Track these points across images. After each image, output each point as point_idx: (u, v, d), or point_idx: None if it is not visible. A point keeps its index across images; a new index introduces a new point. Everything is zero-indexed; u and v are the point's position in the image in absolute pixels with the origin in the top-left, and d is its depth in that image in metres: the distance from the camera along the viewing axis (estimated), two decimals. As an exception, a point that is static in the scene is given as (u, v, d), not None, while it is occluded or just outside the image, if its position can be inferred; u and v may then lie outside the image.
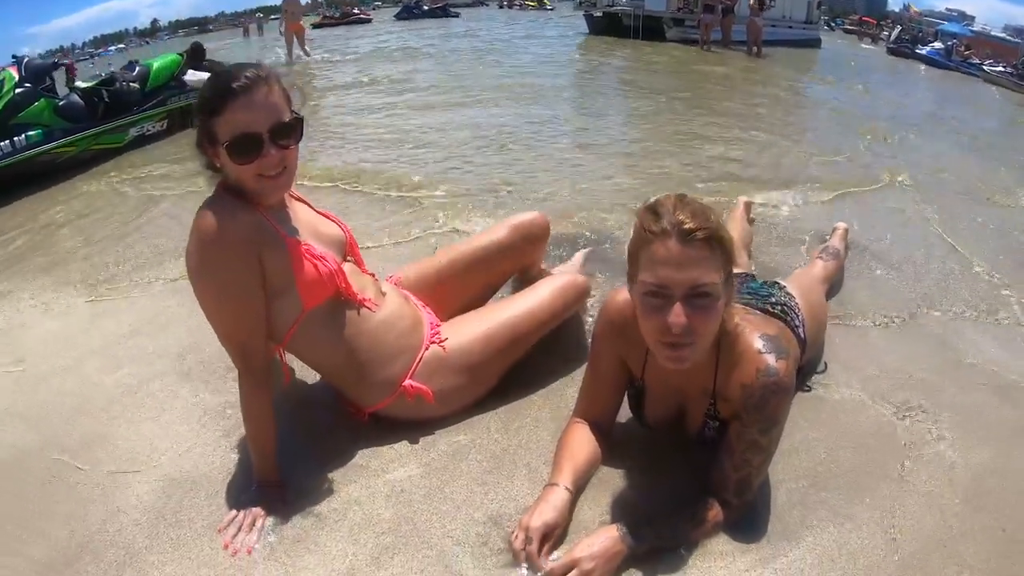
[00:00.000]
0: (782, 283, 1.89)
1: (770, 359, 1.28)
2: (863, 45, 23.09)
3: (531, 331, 1.80)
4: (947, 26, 24.47)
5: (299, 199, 1.65)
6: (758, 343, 1.30)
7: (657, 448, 1.58)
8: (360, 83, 8.86)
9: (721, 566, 1.29)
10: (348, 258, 1.65)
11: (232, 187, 1.43)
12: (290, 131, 1.41)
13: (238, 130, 1.34)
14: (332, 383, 1.69)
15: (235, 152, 1.35)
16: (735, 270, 1.77)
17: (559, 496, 1.36)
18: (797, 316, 1.74)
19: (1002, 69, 16.55)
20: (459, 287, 1.92)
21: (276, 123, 1.37)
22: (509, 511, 1.43)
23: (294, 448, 1.59)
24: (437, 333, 1.73)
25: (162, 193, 4.25)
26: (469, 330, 1.75)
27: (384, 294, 1.70)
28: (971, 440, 1.70)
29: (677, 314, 1.17)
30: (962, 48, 18.90)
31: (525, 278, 2.13)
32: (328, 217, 1.68)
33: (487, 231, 2.01)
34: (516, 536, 1.30)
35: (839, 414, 1.79)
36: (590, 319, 2.04)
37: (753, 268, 2.51)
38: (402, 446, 1.63)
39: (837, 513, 1.44)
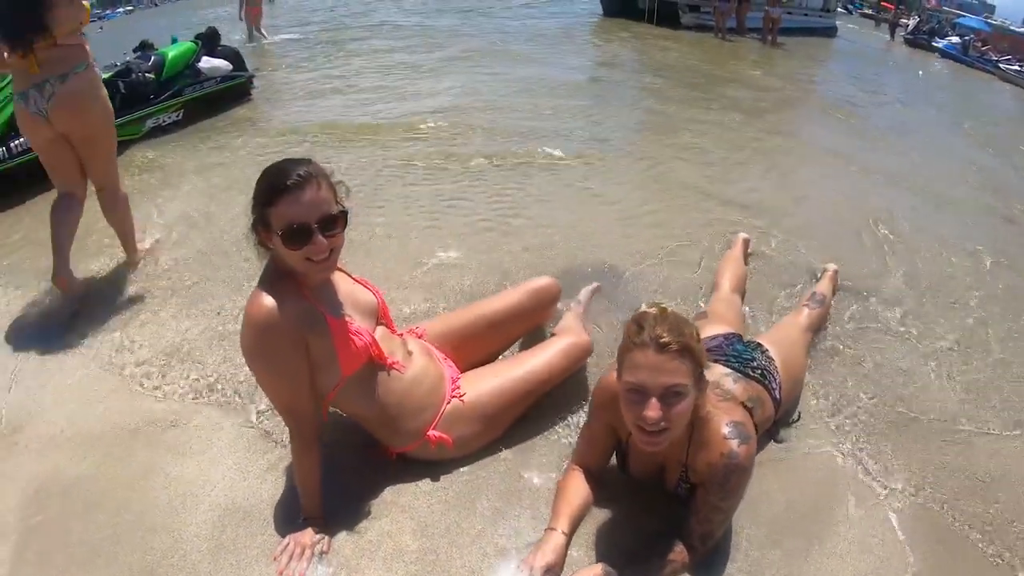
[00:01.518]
0: (764, 345, 2.10)
1: (734, 444, 1.52)
2: (875, 33, 22.67)
3: (538, 387, 2.07)
4: (965, 20, 24.08)
5: (339, 269, 1.85)
6: (725, 429, 1.55)
7: (639, 495, 1.83)
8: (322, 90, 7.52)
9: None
10: (381, 322, 1.88)
11: (281, 264, 1.64)
12: (336, 222, 1.59)
13: (291, 221, 1.53)
14: (366, 429, 1.93)
15: (287, 240, 1.54)
16: (723, 330, 2.03)
17: (557, 540, 1.62)
18: (775, 379, 1.98)
19: (1018, 68, 16.35)
20: (479, 345, 2.19)
21: (324, 215, 1.56)
22: (516, 545, 1.70)
23: (331, 484, 1.82)
24: (457, 387, 1.98)
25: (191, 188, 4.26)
26: (485, 385, 2.00)
27: (411, 353, 1.93)
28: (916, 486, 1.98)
29: (652, 408, 1.42)
30: (979, 43, 18.69)
31: (537, 330, 2.40)
32: (363, 284, 1.90)
33: (506, 293, 2.29)
34: (522, 572, 1.56)
35: (801, 463, 2.05)
36: (594, 372, 2.31)
37: (747, 314, 2.73)
38: (425, 483, 1.88)
39: (792, 556, 1.72)
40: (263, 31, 11.86)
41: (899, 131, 7.24)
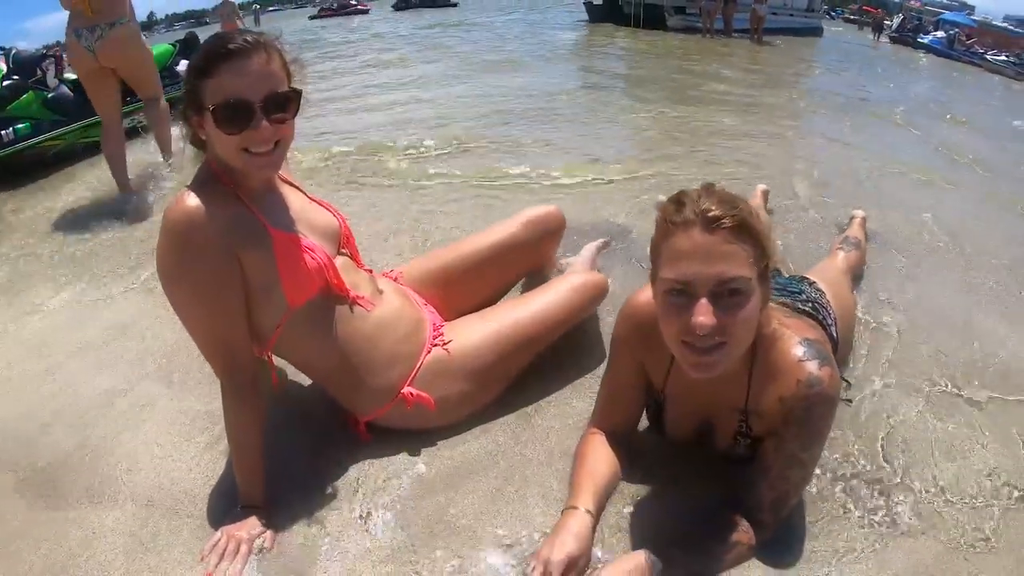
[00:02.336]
0: (810, 278, 1.75)
1: (812, 367, 1.14)
2: (860, 34, 22.93)
3: (543, 333, 1.66)
4: (949, 15, 24.23)
5: (291, 184, 1.51)
6: (798, 350, 1.16)
7: (682, 460, 1.44)
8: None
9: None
10: (343, 251, 1.51)
11: (216, 164, 1.30)
12: (286, 103, 1.26)
13: (228, 96, 1.20)
14: (325, 389, 1.55)
15: (222, 119, 1.21)
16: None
17: (580, 522, 1.22)
18: (829, 314, 1.61)
19: (1005, 59, 16.49)
20: (468, 286, 1.78)
21: (271, 92, 1.23)
22: (522, 537, 1.29)
23: (283, 462, 1.46)
24: (440, 335, 1.59)
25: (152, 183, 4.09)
26: (475, 331, 1.61)
27: (381, 292, 1.56)
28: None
29: (702, 312, 1.03)
30: (964, 37, 18.77)
31: (538, 276, 1.99)
32: (323, 205, 1.53)
33: (498, 225, 1.87)
34: (534, 569, 1.15)
35: (876, 413, 1.68)
36: (610, 320, 1.90)
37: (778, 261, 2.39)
38: (401, 459, 1.49)
39: (881, 526, 1.32)
40: None
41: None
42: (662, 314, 1.12)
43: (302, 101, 1.31)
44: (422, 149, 4.31)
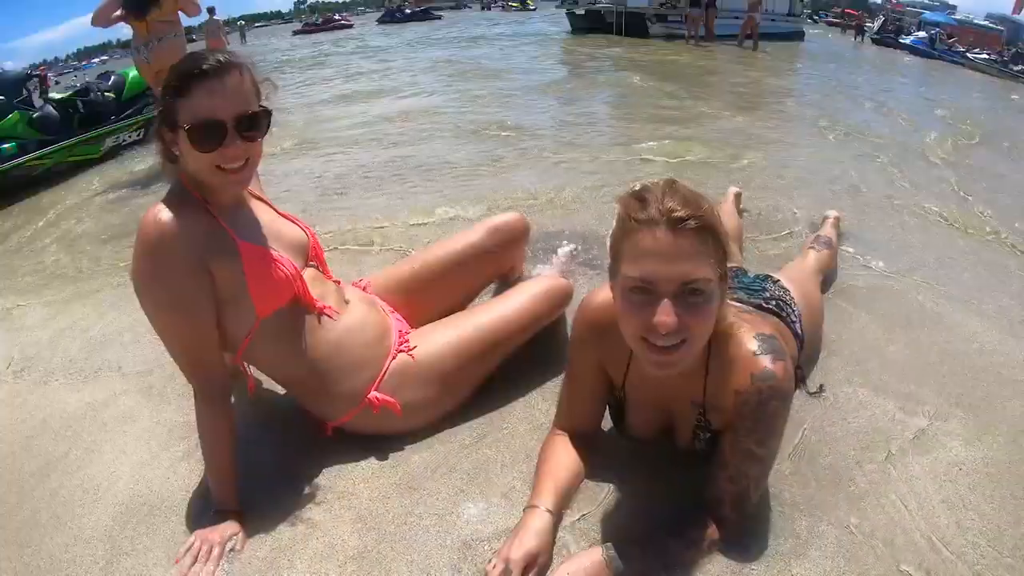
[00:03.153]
0: (775, 276, 1.79)
1: (766, 361, 1.15)
2: (843, 37, 23.06)
3: (508, 338, 1.71)
4: (930, 15, 24.49)
5: (260, 199, 1.56)
6: (752, 344, 1.17)
7: (644, 458, 1.47)
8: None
9: (718, 590, 1.19)
10: (311, 263, 1.56)
11: (188, 180, 1.35)
12: (257, 123, 1.32)
13: (201, 115, 1.25)
14: (294, 395, 1.60)
15: (196, 138, 1.26)
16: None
17: (540, 520, 1.25)
18: (793, 311, 1.64)
19: (986, 57, 16.64)
20: (433, 293, 1.83)
21: (242, 112, 1.28)
22: (485, 535, 1.33)
23: (254, 467, 1.51)
24: (405, 341, 1.64)
25: (135, 201, 4.15)
26: (440, 337, 1.66)
27: (348, 301, 1.61)
28: (979, 435, 1.63)
29: (665, 312, 1.03)
30: (945, 36, 18.95)
31: (507, 283, 2.03)
32: (291, 220, 1.59)
33: (462, 233, 1.92)
34: (495, 567, 1.18)
35: (842, 413, 1.70)
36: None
37: (743, 262, 2.44)
38: (369, 464, 1.54)
39: (843, 524, 1.33)
40: None
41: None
42: (622, 311, 1.11)
43: (271, 120, 1.37)
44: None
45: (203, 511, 1.43)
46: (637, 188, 1.10)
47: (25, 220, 4.28)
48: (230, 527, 1.35)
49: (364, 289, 1.77)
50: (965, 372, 1.91)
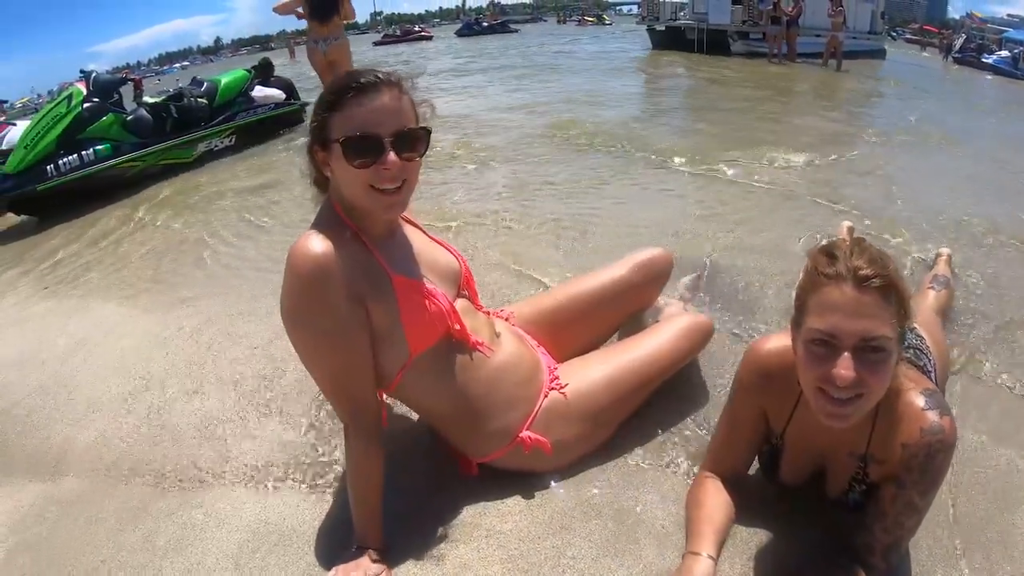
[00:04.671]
0: (911, 322, 1.65)
1: (934, 416, 1.16)
2: (924, 55, 22.21)
3: (655, 375, 1.62)
4: (1012, 33, 23.27)
5: (411, 222, 1.48)
6: (920, 400, 1.18)
7: (790, 502, 1.40)
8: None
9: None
10: (463, 293, 1.47)
11: (340, 205, 1.27)
12: (415, 141, 1.24)
13: (357, 128, 1.18)
14: (439, 431, 1.51)
15: (350, 153, 1.18)
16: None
17: (704, 568, 1.20)
18: (929, 360, 1.57)
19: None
20: (577, 327, 1.75)
21: (401, 129, 1.21)
22: (638, 577, 1.22)
23: (393, 503, 1.40)
24: (556, 378, 1.54)
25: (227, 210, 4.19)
26: (591, 374, 1.56)
27: (499, 335, 1.51)
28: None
29: (845, 366, 1.06)
30: (1029, 55, 17.99)
31: (635, 316, 1.92)
32: (443, 245, 1.50)
33: (607, 268, 1.83)
34: None
35: (967, 458, 1.59)
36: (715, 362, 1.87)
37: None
38: (515, 501, 1.43)
39: (978, 573, 1.29)
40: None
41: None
42: (804, 362, 1.13)
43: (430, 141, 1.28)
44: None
45: (339, 545, 1.33)
46: (825, 243, 1.16)
47: (116, 218, 4.36)
48: (374, 566, 1.24)
49: (507, 320, 1.68)
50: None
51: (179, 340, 2.37)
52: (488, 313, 1.57)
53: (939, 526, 1.39)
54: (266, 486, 1.58)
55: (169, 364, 2.20)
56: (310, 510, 1.48)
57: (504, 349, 1.49)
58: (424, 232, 1.50)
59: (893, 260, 1.12)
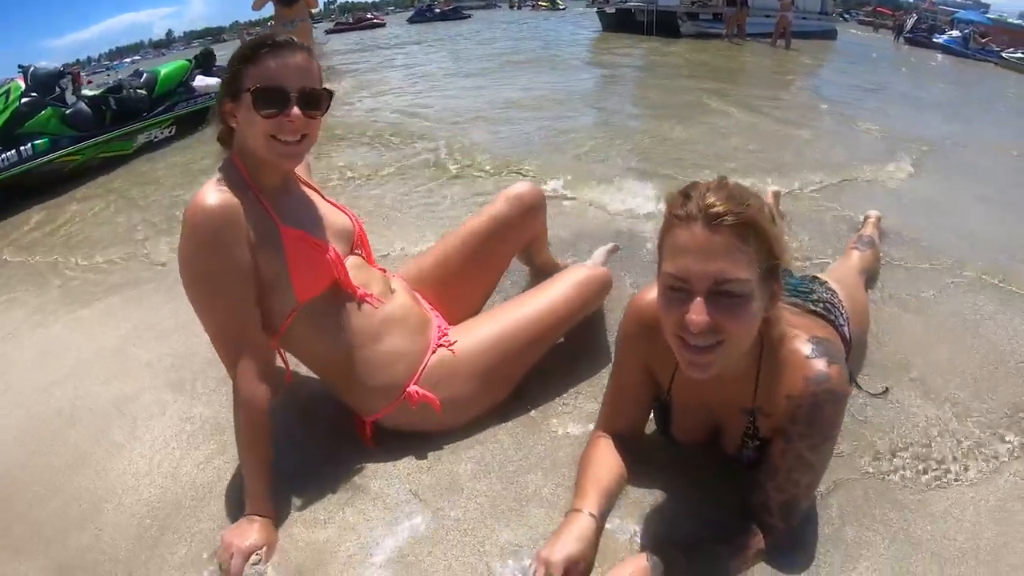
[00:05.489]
0: (822, 277, 1.71)
1: (820, 364, 1.11)
2: (877, 36, 22.65)
3: (549, 331, 1.65)
4: (963, 14, 23.92)
5: (309, 185, 1.55)
6: (806, 348, 1.13)
7: (689, 462, 1.41)
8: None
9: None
10: (356, 252, 1.54)
11: (240, 159, 1.35)
12: (319, 100, 1.34)
13: (268, 80, 1.27)
14: (330, 386, 1.56)
15: (259, 101, 1.27)
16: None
17: (583, 524, 1.20)
18: (841, 313, 1.57)
19: (1021, 55, 16.24)
20: (469, 271, 1.78)
21: (307, 87, 1.31)
22: (526, 541, 1.27)
23: (289, 463, 1.45)
24: (445, 335, 1.59)
25: (164, 198, 4.15)
26: (480, 332, 1.60)
27: (394, 291, 1.57)
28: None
29: (696, 311, 1.00)
30: (979, 36, 18.51)
31: (537, 271, 2.00)
32: (338, 207, 1.57)
33: (480, 210, 1.87)
34: (536, 571, 1.13)
35: (888, 416, 1.62)
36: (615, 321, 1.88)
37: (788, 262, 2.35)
38: (407, 463, 1.48)
39: (895, 532, 1.28)
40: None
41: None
42: (661, 308, 1.09)
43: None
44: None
45: (234, 514, 1.37)
46: (686, 185, 1.08)
47: (54, 215, 4.30)
48: (258, 536, 1.27)
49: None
50: (1015, 376, 1.82)
51: (105, 328, 2.38)
52: (384, 271, 1.62)
53: (854, 485, 1.40)
54: (173, 461, 1.60)
55: (94, 350, 2.21)
56: (209, 479, 1.51)
57: (395, 303, 1.54)
58: (321, 195, 1.56)
59: (759, 197, 1.06)
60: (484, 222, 1.79)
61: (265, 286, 1.35)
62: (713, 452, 1.35)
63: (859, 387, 1.59)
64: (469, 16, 29.59)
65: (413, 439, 1.52)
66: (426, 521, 1.33)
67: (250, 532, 1.27)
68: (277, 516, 1.34)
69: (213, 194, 1.27)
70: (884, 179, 3.79)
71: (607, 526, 1.27)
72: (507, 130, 5.00)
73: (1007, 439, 1.56)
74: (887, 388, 1.60)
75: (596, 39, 14.79)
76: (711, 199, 1.00)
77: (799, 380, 1.11)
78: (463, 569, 1.22)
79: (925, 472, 1.46)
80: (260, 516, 1.31)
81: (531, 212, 1.85)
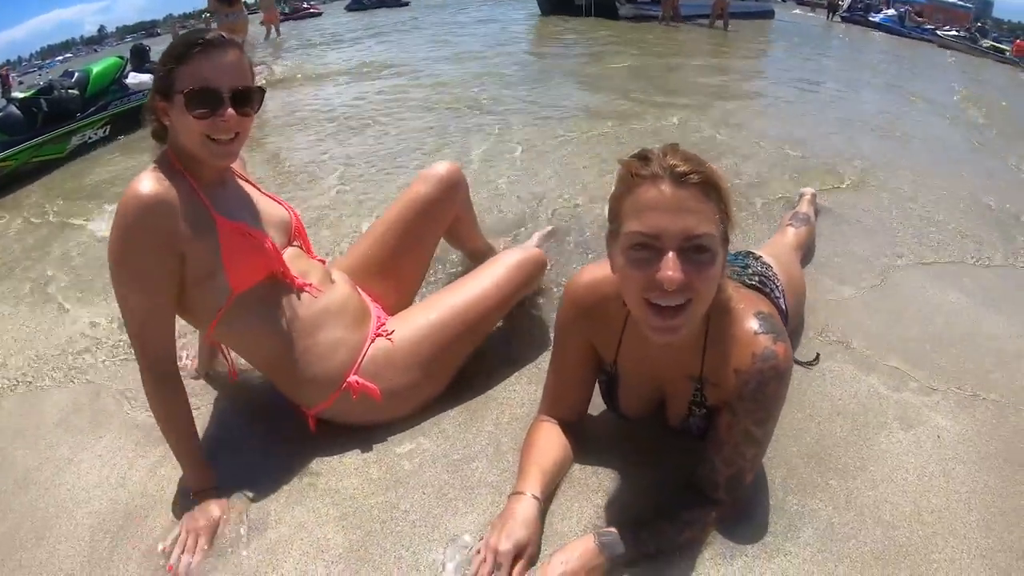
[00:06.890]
0: (756, 252, 1.77)
1: (767, 341, 1.13)
2: (812, 15, 23.06)
3: (486, 314, 1.69)
4: (898, -9, 24.64)
5: (245, 179, 1.56)
6: (753, 323, 1.16)
7: (635, 441, 1.46)
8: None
9: (714, 571, 1.18)
10: (294, 243, 1.56)
11: (174, 154, 1.35)
12: (251, 98, 1.36)
13: (200, 82, 1.28)
14: (272, 380, 1.57)
15: (192, 103, 1.27)
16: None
17: (527, 507, 1.23)
18: (776, 287, 1.62)
19: (955, 34, 16.80)
20: (399, 254, 1.81)
21: (240, 86, 1.32)
22: (472, 528, 1.31)
23: (236, 463, 1.49)
24: (383, 325, 1.62)
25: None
26: (418, 320, 1.63)
27: (333, 282, 1.60)
28: (963, 408, 1.65)
29: (671, 267, 0.99)
30: (915, 14, 19.08)
31: (472, 256, 2.05)
32: (274, 199, 1.58)
33: (400, 194, 1.89)
34: (484, 560, 1.17)
35: (827, 388, 1.71)
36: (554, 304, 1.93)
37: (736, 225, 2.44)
38: (352, 456, 1.51)
39: (833, 500, 1.34)
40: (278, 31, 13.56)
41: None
42: (625, 272, 1.07)
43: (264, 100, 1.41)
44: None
45: (185, 509, 1.39)
46: (639, 151, 1.09)
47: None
48: (214, 509, 1.34)
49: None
50: (947, 345, 1.92)
51: (41, 328, 2.35)
52: (323, 262, 1.65)
53: (796, 456, 1.45)
54: (115, 465, 1.60)
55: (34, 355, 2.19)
56: (155, 486, 1.52)
57: (334, 293, 1.57)
58: (258, 188, 1.58)
59: (708, 162, 1.07)
60: (406, 204, 1.82)
61: (199, 277, 1.36)
62: (658, 429, 1.39)
63: (796, 361, 1.66)
64: (407, 3, 29.00)
65: (358, 433, 1.55)
66: (375, 515, 1.36)
67: (207, 506, 1.35)
68: (221, 489, 1.41)
69: (148, 182, 1.28)
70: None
71: (553, 507, 1.31)
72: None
73: (944, 406, 1.65)
74: (817, 355, 1.65)
75: (536, 26, 14.68)
76: (672, 160, 1.02)
77: (747, 356, 1.13)
78: (414, 559, 1.25)
79: (865, 440, 1.52)
80: (207, 488, 1.39)
81: (451, 189, 1.87)
